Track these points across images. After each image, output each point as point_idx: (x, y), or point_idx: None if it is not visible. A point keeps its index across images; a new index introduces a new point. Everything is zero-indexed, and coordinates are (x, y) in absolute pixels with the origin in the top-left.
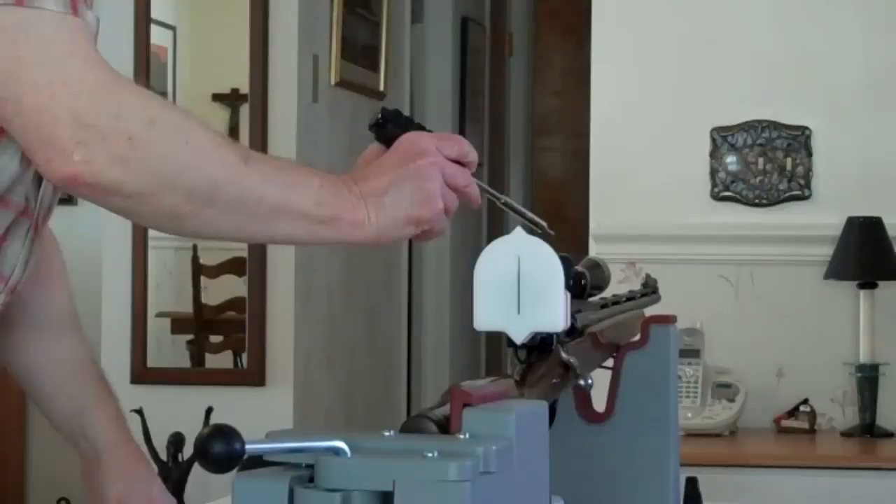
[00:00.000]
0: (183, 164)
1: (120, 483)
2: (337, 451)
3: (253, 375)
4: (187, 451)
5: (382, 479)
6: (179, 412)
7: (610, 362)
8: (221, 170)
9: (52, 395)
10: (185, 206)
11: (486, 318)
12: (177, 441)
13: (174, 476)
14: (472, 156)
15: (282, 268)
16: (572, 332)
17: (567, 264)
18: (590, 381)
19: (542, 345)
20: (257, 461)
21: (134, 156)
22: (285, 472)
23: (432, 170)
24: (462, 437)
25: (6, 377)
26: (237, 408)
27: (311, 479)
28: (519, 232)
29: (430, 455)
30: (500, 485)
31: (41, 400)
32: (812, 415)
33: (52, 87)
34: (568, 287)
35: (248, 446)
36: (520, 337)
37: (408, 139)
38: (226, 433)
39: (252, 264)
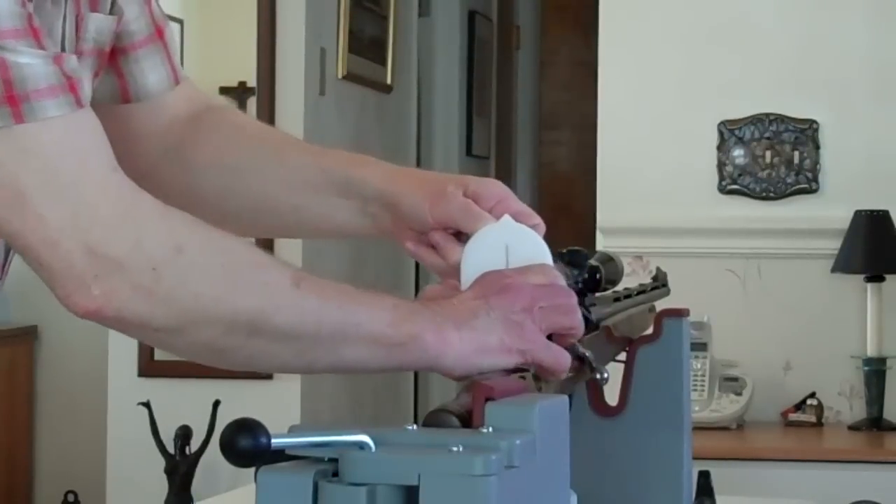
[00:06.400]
0: (218, 293)
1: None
2: (361, 446)
3: None
4: (195, 443)
5: (407, 474)
6: (187, 405)
7: (622, 356)
8: (266, 296)
9: (300, 205)
10: (226, 339)
11: None
12: (184, 434)
13: (182, 468)
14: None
15: (289, 260)
16: (587, 325)
17: (583, 258)
18: (606, 375)
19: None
20: (278, 455)
21: (160, 287)
22: (309, 466)
23: (521, 294)
24: (485, 430)
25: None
26: (244, 401)
27: (335, 474)
28: (507, 220)
29: (454, 449)
30: (524, 478)
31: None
32: (819, 408)
33: (61, 220)
34: (583, 281)
35: (273, 440)
36: None
37: (491, 275)
38: (252, 427)
39: None
